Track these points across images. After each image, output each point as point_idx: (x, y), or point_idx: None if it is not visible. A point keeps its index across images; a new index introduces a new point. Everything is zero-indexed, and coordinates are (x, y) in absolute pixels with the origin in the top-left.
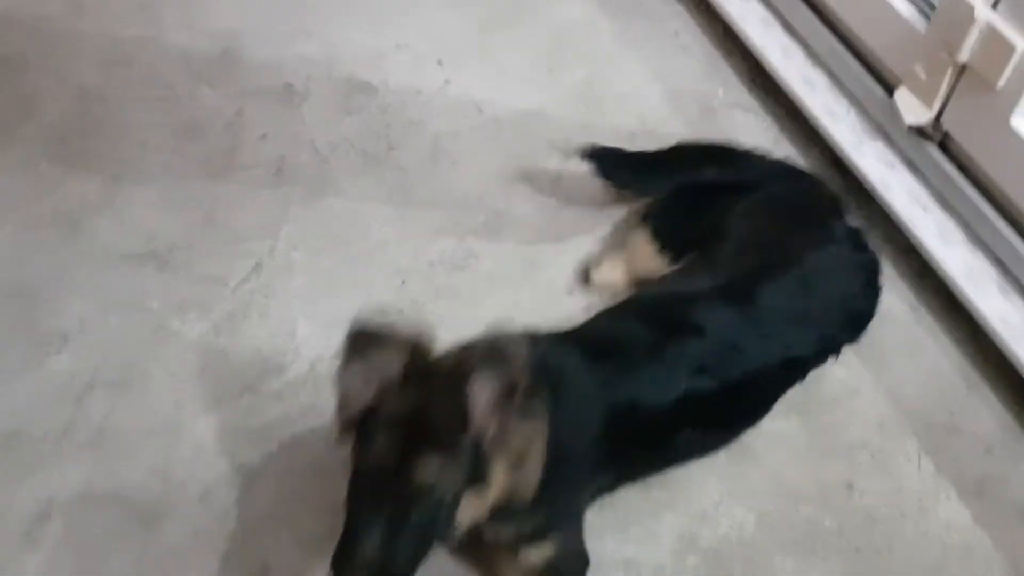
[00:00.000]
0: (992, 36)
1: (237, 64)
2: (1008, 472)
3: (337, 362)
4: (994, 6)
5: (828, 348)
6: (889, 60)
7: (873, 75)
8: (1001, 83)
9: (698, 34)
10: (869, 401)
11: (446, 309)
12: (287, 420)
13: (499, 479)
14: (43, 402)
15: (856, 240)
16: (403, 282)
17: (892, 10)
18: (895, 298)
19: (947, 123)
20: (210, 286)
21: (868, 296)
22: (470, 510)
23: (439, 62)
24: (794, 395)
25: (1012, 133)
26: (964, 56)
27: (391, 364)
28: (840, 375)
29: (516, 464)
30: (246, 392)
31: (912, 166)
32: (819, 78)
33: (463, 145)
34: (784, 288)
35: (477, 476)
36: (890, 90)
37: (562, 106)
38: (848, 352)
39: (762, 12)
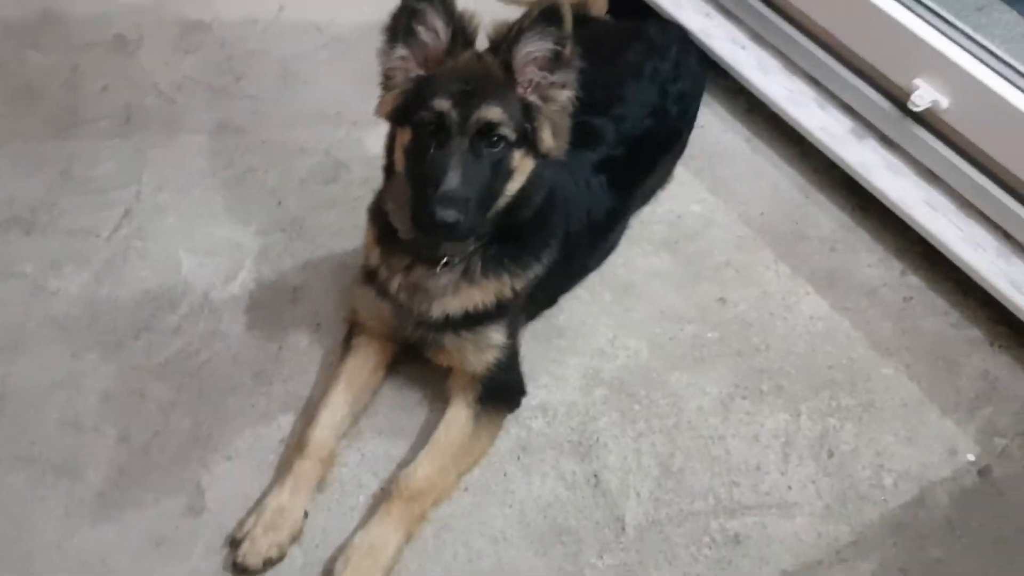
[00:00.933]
0: None
1: (61, 23)
2: (851, 262)
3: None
4: None
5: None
6: None
7: None
8: None
9: None
10: (724, 226)
11: (329, 220)
12: (191, 351)
13: (547, 140)
14: None
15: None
16: (279, 203)
17: None
18: (731, 135)
19: None
20: (82, 239)
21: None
22: (521, 170)
23: None
24: (660, 233)
25: None
26: None
27: (437, 35)
28: (696, 209)
29: (555, 131)
30: (143, 332)
31: (725, 11)
32: None
33: (310, 65)
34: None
35: (529, 140)
36: None
37: None
38: (699, 188)
39: None
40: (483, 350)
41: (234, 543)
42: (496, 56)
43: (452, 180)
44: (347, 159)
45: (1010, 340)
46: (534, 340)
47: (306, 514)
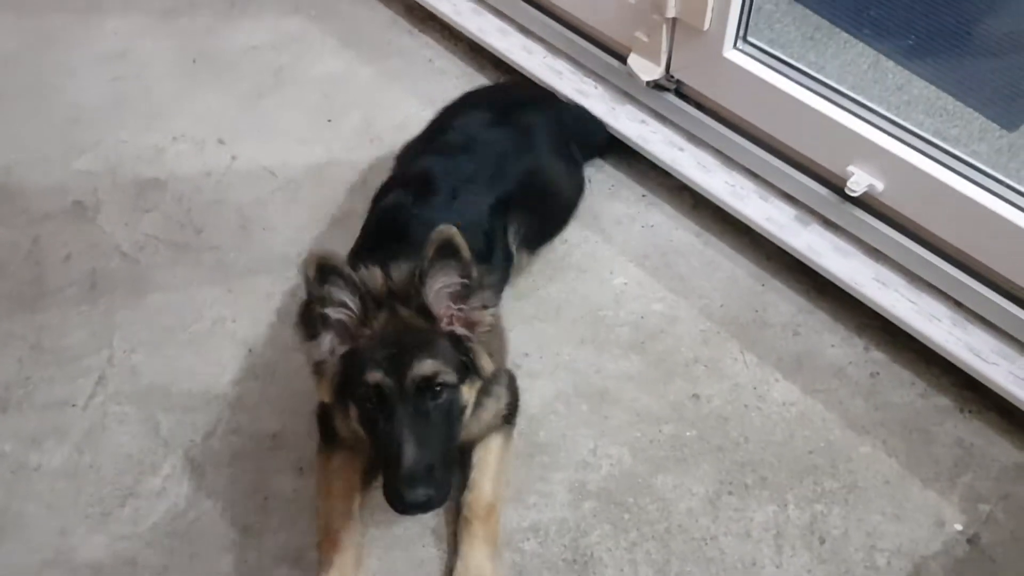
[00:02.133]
0: None
1: (19, 196)
2: (815, 344)
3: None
4: None
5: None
6: (614, 34)
7: (606, 51)
8: (707, 24)
9: (450, 56)
10: (688, 322)
11: (301, 362)
12: (177, 511)
13: (486, 366)
14: None
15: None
16: (250, 350)
17: None
18: (681, 231)
19: (676, 72)
20: (59, 411)
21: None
22: (471, 396)
23: (220, 141)
24: (626, 336)
25: (728, 64)
26: (671, 11)
27: (348, 308)
28: (658, 308)
29: (490, 351)
30: (128, 498)
31: (660, 117)
32: (562, 65)
33: (268, 210)
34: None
35: (470, 372)
36: (623, 59)
37: (349, 149)
38: (658, 287)
39: (498, 23)
40: (502, 400)
41: None
42: (410, 306)
43: (409, 456)
44: None
45: (978, 404)
46: (517, 460)
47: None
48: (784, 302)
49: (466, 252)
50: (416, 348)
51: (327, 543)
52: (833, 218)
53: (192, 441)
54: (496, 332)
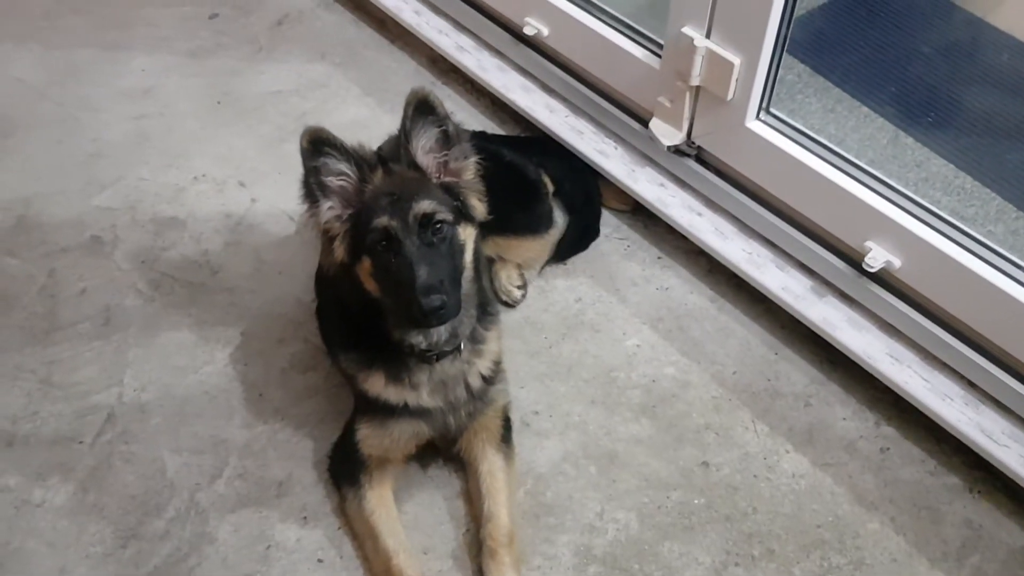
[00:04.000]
0: (713, 59)
1: (36, 229)
2: (826, 416)
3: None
4: (707, 35)
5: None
6: (638, 97)
7: (629, 113)
8: (730, 95)
9: (471, 110)
10: (700, 388)
11: (310, 409)
12: (179, 556)
13: (477, 207)
14: None
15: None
16: (260, 395)
17: (628, 55)
18: (696, 296)
19: (698, 138)
20: (66, 448)
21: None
22: (468, 237)
23: (241, 183)
24: (637, 398)
25: (749, 134)
26: (696, 80)
27: (346, 175)
28: (670, 372)
29: (479, 197)
30: (130, 540)
31: (680, 181)
32: (584, 125)
33: (284, 254)
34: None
35: (463, 214)
36: (645, 122)
37: None
38: (671, 350)
39: (521, 80)
40: (501, 396)
41: None
42: (400, 163)
43: (422, 273)
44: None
45: (988, 485)
46: (523, 520)
47: None
48: (797, 372)
49: (442, 108)
50: (414, 193)
51: None
52: (849, 291)
53: (198, 484)
54: (478, 181)
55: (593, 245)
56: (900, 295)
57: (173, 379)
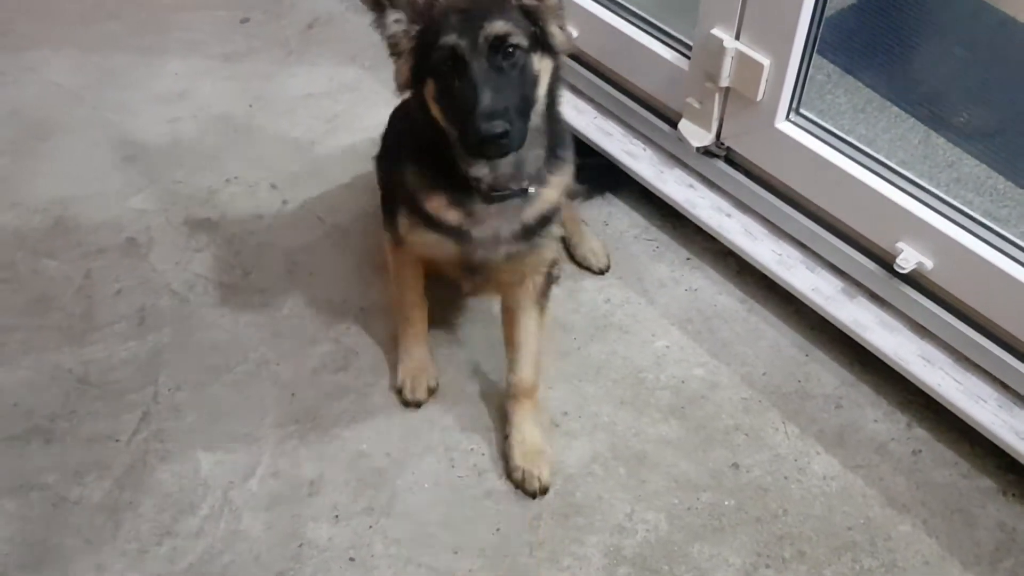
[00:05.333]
0: (743, 60)
1: (74, 231)
2: (857, 418)
3: None
4: (737, 36)
5: None
6: (666, 98)
7: (657, 114)
8: (760, 96)
9: None
10: (729, 389)
11: (342, 409)
12: (213, 553)
13: (558, 37)
14: None
15: None
16: (293, 394)
17: (657, 56)
18: (725, 297)
19: (727, 139)
20: (102, 446)
21: None
22: (544, 69)
23: (272, 185)
24: (666, 400)
25: (779, 135)
26: (725, 81)
27: None
28: (699, 373)
29: (561, 25)
30: (165, 537)
31: (709, 182)
32: (612, 127)
33: (315, 256)
34: None
35: (542, 43)
36: (674, 124)
37: None
38: (700, 351)
39: None
40: (549, 246)
41: (398, 391)
42: None
43: (486, 98)
44: (356, 346)
45: (1021, 488)
46: (552, 519)
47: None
48: (827, 373)
49: None
50: (488, 11)
51: (399, 318)
52: (880, 293)
53: (231, 483)
54: (562, 8)
55: (622, 246)
56: (932, 296)
57: (207, 378)
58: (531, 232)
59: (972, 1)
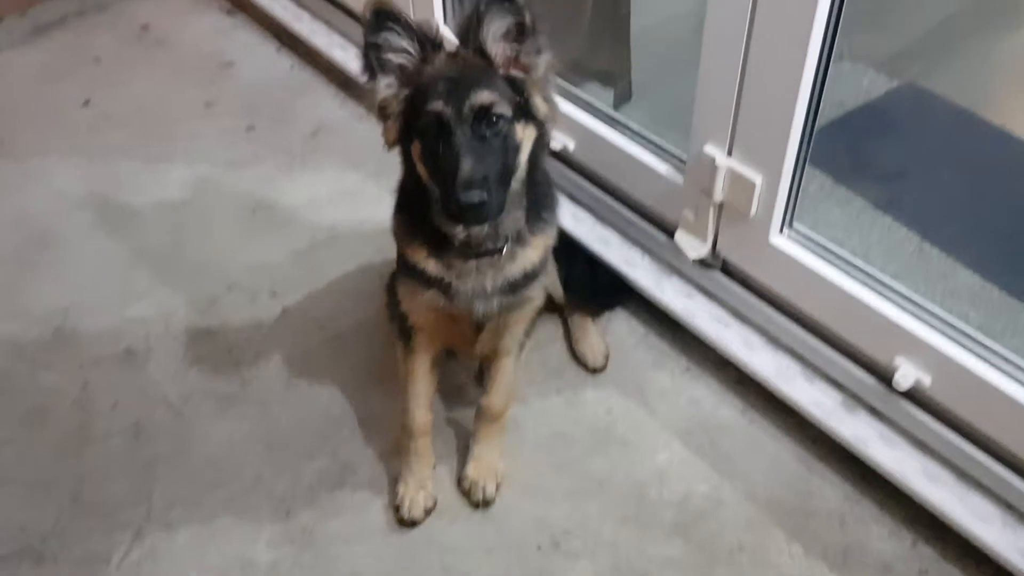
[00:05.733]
0: (735, 177)
1: (73, 340)
2: (862, 536)
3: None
4: (729, 153)
5: None
6: (663, 209)
7: (655, 224)
8: (753, 211)
9: None
10: (732, 506)
11: (338, 528)
12: None
13: (540, 108)
14: None
15: None
16: (288, 512)
17: (652, 170)
18: (726, 408)
19: (722, 251)
20: (93, 567)
21: None
22: (527, 137)
23: (273, 292)
24: (669, 517)
25: (773, 249)
26: (719, 196)
27: (408, 53)
28: (702, 489)
29: (545, 97)
30: None
31: (706, 292)
32: (610, 235)
33: (313, 365)
34: None
35: (526, 112)
36: (671, 233)
37: None
38: (703, 466)
39: None
40: (532, 302)
41: (395, 508)
42: (467, 47)
43: (466, 167)
44: (353, 460)
45: None
46: None
47: (434, 465)
48: (830, 488)
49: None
50: (474, 81)
51: (404, 432)
52: (880, 407)
53: None
54: (548, 80)
55: (622, 353)
56: (932, 412)
57: (201, 495)
58: (517, 286)
59: (962, 111)
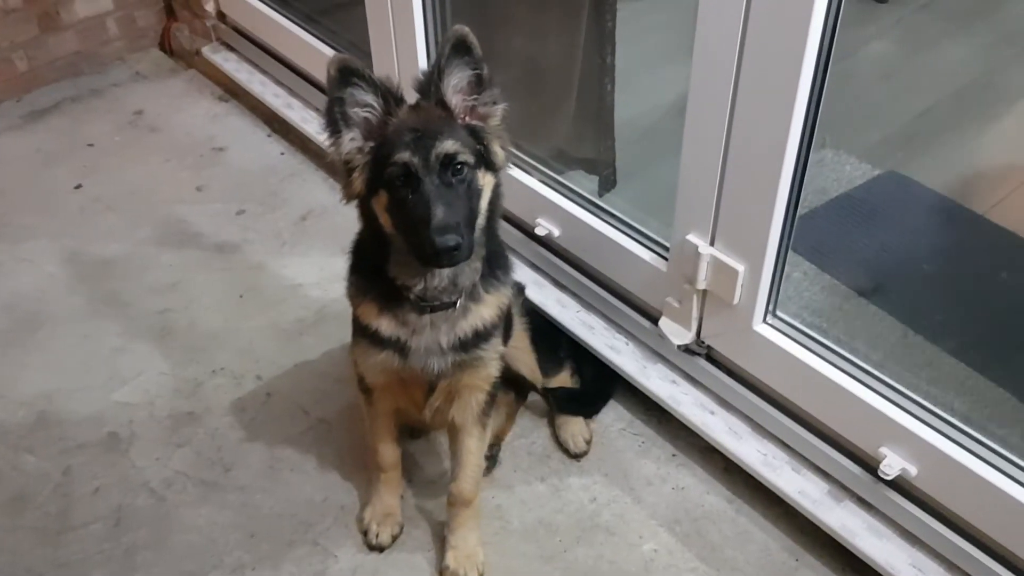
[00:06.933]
0: (718, 265)
1: (56, 425)
2: None
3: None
4: (712, 242)
5: None
6: (647, 296)
7: (639, 311)
8: (736, 299)
9: None
10: None
11: None
12: None
13: (499, 154)
14: None
15: None
16: None
17: (636, 257)
18: (713, 496)
19: (707, 338)
20: None
21: None
22: (487, 184)
23: (258, 376)
24: None
25: (757, 337)
26: (702, 284)
27: (371, 107)
28: None
29: (502, 144)
30: None
31: (691, 379)
32: (595, 321)
33: (297, 451)
34: None
35: (485, 160)
36: (655, 320)
37: None
38: (689, 556)
39: (533, 276)
40: (489, 364)
41: (363, 532)
42: (429, 100)
43: (439, 212)
44: (335, 548)
45: None
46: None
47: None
48: None
49: (478, 50)
50: (438, 131)
51: (375, 469)
52: (867, 497)
53: None
54: (503, 128)
55: (607, 440)
56: (919, 503)
57: None
58: (469, 344)
59: (943, 200)
